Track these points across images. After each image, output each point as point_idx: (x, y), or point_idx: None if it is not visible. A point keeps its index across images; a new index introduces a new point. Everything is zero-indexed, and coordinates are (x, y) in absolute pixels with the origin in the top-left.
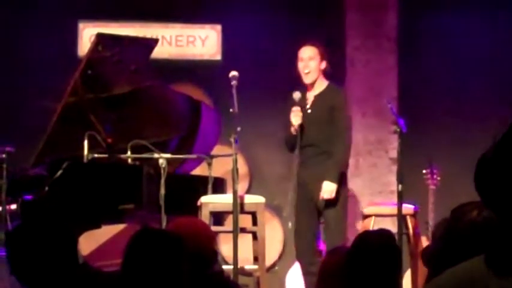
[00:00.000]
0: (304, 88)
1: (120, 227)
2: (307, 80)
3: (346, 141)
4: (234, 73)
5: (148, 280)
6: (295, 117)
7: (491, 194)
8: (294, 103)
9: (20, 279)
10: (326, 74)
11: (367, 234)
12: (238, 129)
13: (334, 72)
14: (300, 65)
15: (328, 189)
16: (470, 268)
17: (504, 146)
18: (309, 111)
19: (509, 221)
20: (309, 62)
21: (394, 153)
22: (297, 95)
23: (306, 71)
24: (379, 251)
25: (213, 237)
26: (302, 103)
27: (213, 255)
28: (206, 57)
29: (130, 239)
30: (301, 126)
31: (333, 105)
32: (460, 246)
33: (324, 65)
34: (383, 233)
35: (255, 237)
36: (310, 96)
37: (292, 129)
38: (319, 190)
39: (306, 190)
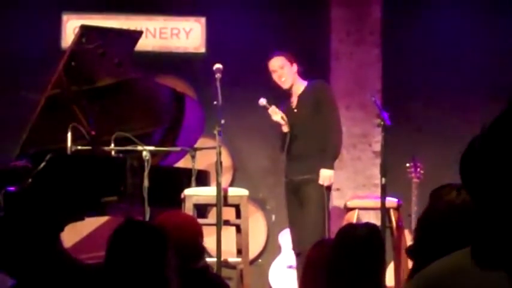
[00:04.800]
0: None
1: (103, 219)
2: (285, 86)
3: (337, 130)
4: (218, 66)
5: (131, 272)
6: (275, 115)
7: (478, 185)
8: (265, 108)
9: (3, 269)
10: (300, 74)
11: (351, 227)
12: (222, 121)
13: (319, 65)
14: (275, 76)
15: (325, 176)
16: (455, 259)
17: (492, 136)
18: (295, 110)
19: (495, 210)
20: (281, 70)
21: (377, 147)
22: (262, 101)
23: (283, 79)
24: (364, 243)
25: (200, 232)
26: (271, 105)
27: (201, 250)
28: (190, 49)
29: (113, 231)
30: (290, 126)
31: (317, 99)
32: (439, 229)
33: (295, 67)
34: (368, 225)
35: (238, 230)
36: (294, 98)
37: (283, 128)
38: (305, 185)
39: (293, 185)
